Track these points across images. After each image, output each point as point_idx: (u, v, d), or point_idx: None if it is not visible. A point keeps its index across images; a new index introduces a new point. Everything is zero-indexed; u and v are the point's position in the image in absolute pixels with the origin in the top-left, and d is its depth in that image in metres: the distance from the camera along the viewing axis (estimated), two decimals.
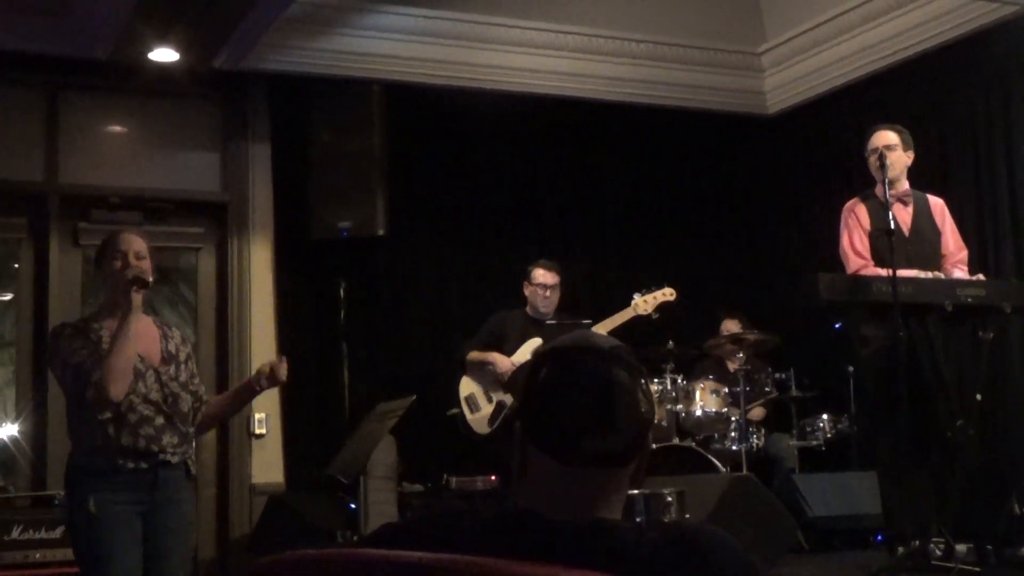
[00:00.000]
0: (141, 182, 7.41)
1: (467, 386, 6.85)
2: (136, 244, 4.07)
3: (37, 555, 5.71)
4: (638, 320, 6.83)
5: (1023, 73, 6.98)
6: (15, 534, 5.79)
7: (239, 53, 6.98)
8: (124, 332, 3.93)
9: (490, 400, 6.77)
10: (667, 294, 6.85)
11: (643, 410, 1.70)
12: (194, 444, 4.20)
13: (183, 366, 4.16)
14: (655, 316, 6.83)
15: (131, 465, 3.92)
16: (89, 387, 3.86)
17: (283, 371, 4.25)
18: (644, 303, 6.80)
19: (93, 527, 3.89)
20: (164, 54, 6.87)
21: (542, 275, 6.90)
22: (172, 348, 4.14)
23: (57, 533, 5.60)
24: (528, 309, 6.94)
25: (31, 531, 5.77)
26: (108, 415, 3.89)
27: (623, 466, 1.69)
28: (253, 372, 6.94)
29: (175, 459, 4.03)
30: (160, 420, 4.00)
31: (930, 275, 5.32)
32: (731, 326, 7.63)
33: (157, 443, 3.97)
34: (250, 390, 4.33)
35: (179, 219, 7.50)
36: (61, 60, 7.00)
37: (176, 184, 7.53)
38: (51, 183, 7.18)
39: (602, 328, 6.59)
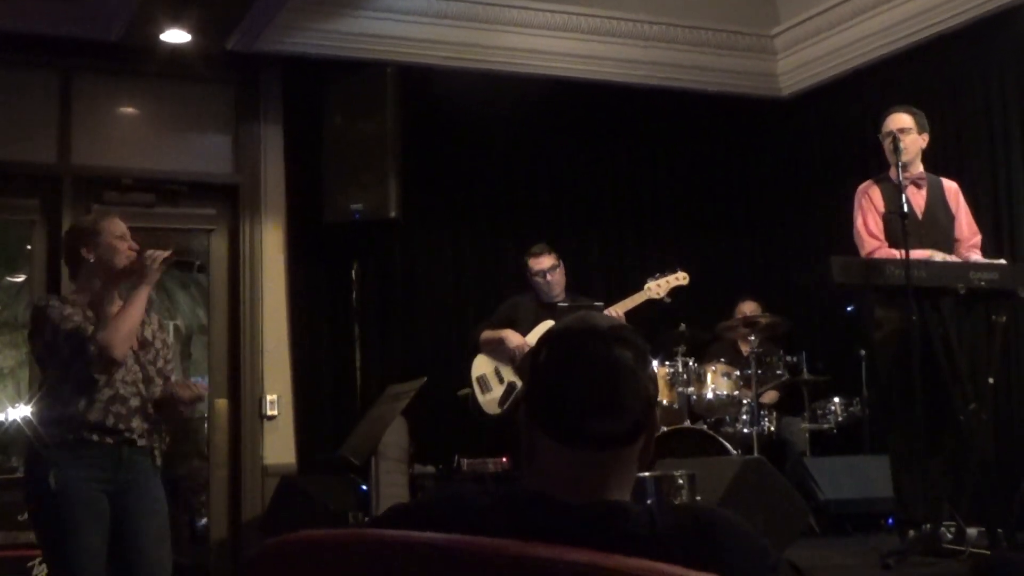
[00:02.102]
0: (154, 164, 7.41)
1: (479, 366, 6.87)
2: (124, 226, 4.12)
3: None
4: (651, 303, 6.83)
5: None
6: (27, 514, 5.81)
7: (252, 35, 6.97)
8: (137, 300, 3.94)
9: (501, 381, 6.80)
10: (680, 278, 6.82)
11: (647, 389, 1.69)
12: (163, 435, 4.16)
13: (159, 352, 4.14)
14: (668, 300, 6.83)
15: (96, 438, 3.89)
16: (91, 343, 3.83)
17: (193, 395, 4.18)
18: (657, 287, 6.78)
19: (52, 503, 3.82)
20: (176, 35, 6.87)
21: (536, 262, 6.90)
22: (148, 334, 4.13)
23: None
24: (539, 294, 6.96)
25: None
26: (100, 380, 3.87)
27: (629, 446, 1.69)
28: (264, 359, 6.98)
29: (141, 441, 3.99)
30: (135, 402, 3.98)
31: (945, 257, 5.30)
32: (746, 309, 7.62)
33: (125, 423, 3.94)
34: (170, 402, 4.18)
35: (191, 201, 7.51)
36: (74, 42, 7.00)
37: (188, 166, 7.53)
38: (64, 165, 7.19)
39: (614, 310, 6.59)
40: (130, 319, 3.92)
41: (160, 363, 4.13)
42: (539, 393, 1.70)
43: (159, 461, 4.08)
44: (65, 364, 3.90)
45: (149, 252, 4.05)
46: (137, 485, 3.98)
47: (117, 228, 4.08)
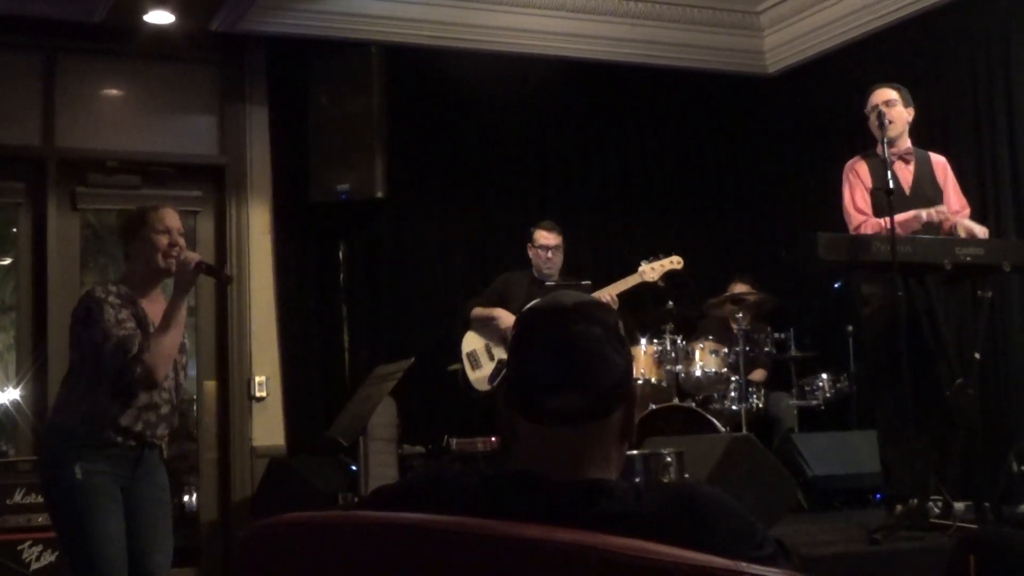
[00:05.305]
0: (139, 146, 7.38)
1: (470, 342, 6.89)
2: (177, 221, 4.11)
3: (39, 518, 5.73)
4: (644, 286, 6.86)
5: None
6: (17, 498, 5.83)
7: (236, 15, 6.93)
8: (177, 314, 3.98)
9: (491, 358, 6.82)
10: (674, 262, 6.87)
11: (614, 365, 1.70)
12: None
13: (185, 347, 4.21)
14: (661, 284, 6.87)
15: (120, 439, 3.94)
16: (137, 364, 3.85)
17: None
18: (651, 270, 6.83)
19: (77, 494, 3.87)
20: (160, 16, 6.84)
21: (543, 236, 6.94)
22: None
23: None
24: (534, 271, 6.98)
25: (33, 495, 5.80)
26: (142, 398, 3.93)
27: (596, 422, 1.70)
28: (252, 341, 7.00)
29: (158, 442, 4.11)
30: (165, 409, 4.05)
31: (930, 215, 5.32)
32: (739, 288, 7.61)
33: (152, 429, 4.02)
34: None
35: (177, 183, 7.48)
36: (57, 23, 6.96)
37: (174, 147, 7.50)
38: (48, 147, 7.16)
39: (606, 292, 6.61)
40: (172, 338, 3.95)
41: (185, 359, 4.18)
42: (508, 371, 1.74)
43: (164, 454, 4.26)
44: (107, 371, 3.90)
45: (184, 255, 4.05)
46: (147, 475, 4.05)
47: (161, 222, 4.06)
